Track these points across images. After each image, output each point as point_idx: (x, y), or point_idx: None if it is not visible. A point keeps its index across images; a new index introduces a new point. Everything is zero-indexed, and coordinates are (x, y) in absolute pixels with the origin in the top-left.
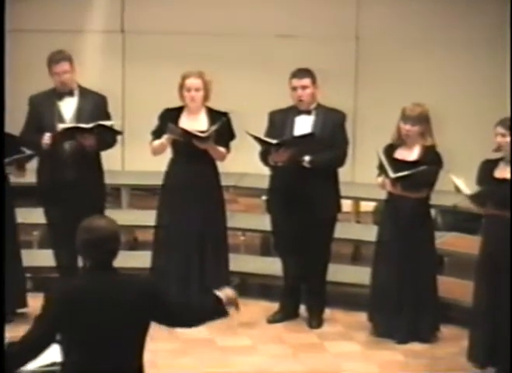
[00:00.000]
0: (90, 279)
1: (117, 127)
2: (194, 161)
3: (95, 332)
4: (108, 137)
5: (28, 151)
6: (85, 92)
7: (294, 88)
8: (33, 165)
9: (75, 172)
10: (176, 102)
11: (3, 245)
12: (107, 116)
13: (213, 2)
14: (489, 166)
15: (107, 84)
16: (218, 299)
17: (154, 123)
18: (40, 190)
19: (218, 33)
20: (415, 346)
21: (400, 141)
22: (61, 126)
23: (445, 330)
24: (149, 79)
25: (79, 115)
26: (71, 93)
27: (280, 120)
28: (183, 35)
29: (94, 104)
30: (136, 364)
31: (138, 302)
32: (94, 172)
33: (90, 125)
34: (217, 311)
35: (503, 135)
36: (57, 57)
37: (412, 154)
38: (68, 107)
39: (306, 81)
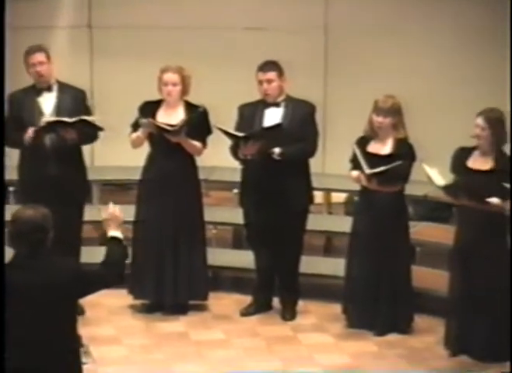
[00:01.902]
0: (17, 266)
1: (98, 123)
2: (171, 155)
3: (23, 318)
4: (90, 131)
5: None
6: (64, 87)
7: (260, 82)
8: (13, 162)
9: (56, 168)
10: (144, 97)
11: (3, 245)
12: (87, 111)
13: None
14: (462, 155)
15: (76, 79)
16: (115, 239)
17: (123, 117)
18: (21, 187)
19: (186, 26)
20: (390, 337)
21: (372, 134)
22: (44, 120)
23: (418, 320)
24: (117, 74)
25: (59, 110)
26: (49, 89)
27: (249, 113)
28: (150, 29)
29: (73, 99)
30: (67, 348)
31: (62, 286)
32: (76, 168)
33: (73, 119)
34: (121, 248)
35: (483, 128)
36: (32, 49)
37: (385, 147)
38: (47, 103)
39: (272, 74)
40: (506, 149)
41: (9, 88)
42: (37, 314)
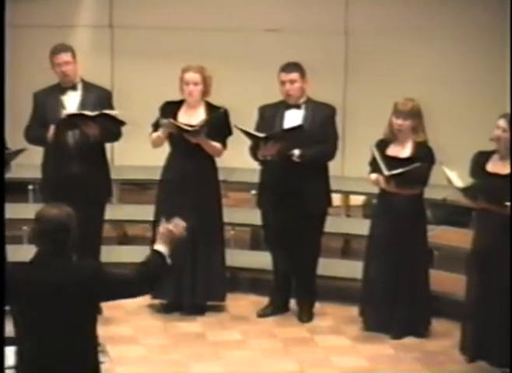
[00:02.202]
0: (40, 265)
1: (120, 117)
2: (190, 155)
3: (43, 317)
4: (112, 128)
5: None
6: (88, 87)
7: (283, 83)
8: (31, 160)
9: (79, 166)
10: (164, 97)
11: (3, 245)
12: (111, 110)
13: None
14: (481, 159)
15: (96, 79)
16: (157, 252)
17: (143, 117)
18: (44, 185)
19: (207, 28)
20: (406, 341)
21: (392, 137)
22: (64, 112)
23: (435, 324)
24: (138, 74)
25: (83, 108)
26: (74, 87)
27: (270, 114)
28: (171, 30)
29: (98, 98)
30: (86, 347)
31: (83, 286)
32: (99, 166)
33: (94, 113)
34: (158, 264)
35: (504, 130)
36: (57, 48)
37: (404, 150)
38: (71, 101)
39: (295, 75)
40: None
41: (32, 87)
42: (57, 313)
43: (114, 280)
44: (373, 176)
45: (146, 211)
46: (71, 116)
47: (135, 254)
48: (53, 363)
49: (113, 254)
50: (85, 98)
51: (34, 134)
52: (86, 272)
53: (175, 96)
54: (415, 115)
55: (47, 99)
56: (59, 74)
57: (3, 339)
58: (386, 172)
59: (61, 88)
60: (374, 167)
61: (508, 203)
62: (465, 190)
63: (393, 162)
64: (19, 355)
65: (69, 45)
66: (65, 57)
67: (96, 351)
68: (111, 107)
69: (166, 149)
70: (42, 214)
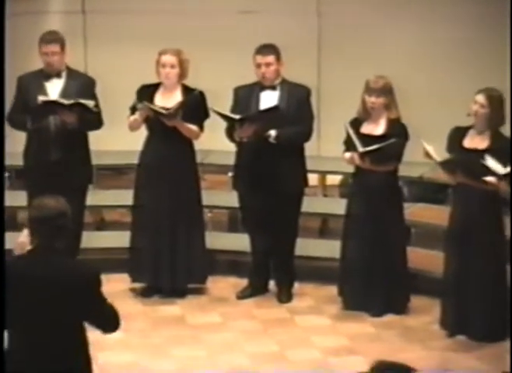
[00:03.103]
0: (34, 259)
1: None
2: (168, 139)
3: (33, 313)
4: (90, 116)
5: None
6: (73, 74)
7: (258, 65)
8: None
9: (60, 153)
10: (139, 82)
11: (3, 244)
12: (93, 99)
13: None
14: (458, 134)
15: (70, 65)
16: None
17: (117, 102)
18: (25, 171)
19: (180, 11)
20: (386, 318)
21: (366, 115)
22: (40, 98)
23: (414, 301)
24: (112, 59)
25: (65, 95)
26: (58, 75)
27: (245, 95)
28: (145, 14)
29: (81, 86)
30: (74, 346)
31: (74, 287)
32: (80, 153)
33: (69, 101)
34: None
35: (482, 105)
36: (48, 38)
37: (378, 128)
38: (54, 88)
39: (271, 58)
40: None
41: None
42: (49, 308)
43: (102, 298)
44: (348, 154)
45: (123, 196)
46: (47, 103)
47: (113, 239)
48: (41, 359)
49: (91, 240)
50: (68, 85)
51: (17, 119)
52: (85, 273)
53: (150, 80)
54: (387, 92)
55: (30, 84)
56: (44, 62)
57: (3, 339)
58: (360, 149)
59: (45, 75)
60: (349, 145)
61: (486, 178)
62: (443, 164)
63: (367, 139)
64: (8, 350)
65: (60, 35)
66: (54, 47)
67: (87, 349)
68: (94, 95)
69: (143, 133)
70: (41, 203)
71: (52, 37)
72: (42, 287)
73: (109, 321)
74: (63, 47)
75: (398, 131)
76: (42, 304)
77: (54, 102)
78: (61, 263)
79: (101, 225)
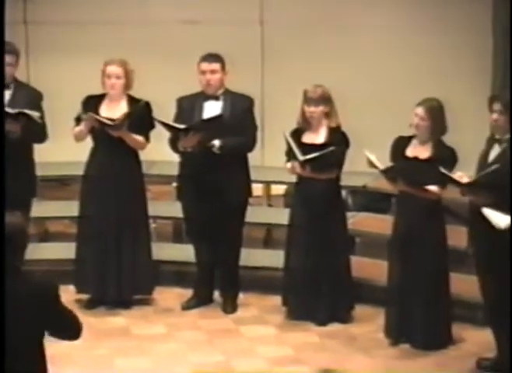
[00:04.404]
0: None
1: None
2: (113, 150)
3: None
4: (35, 128)
5: None
6: (21, 86)
7: (203, 72)
8: None
9: (4, 164)
10: (83, 92)
11: (3, 244)
12: (39, 111)
13: None
14: (401, 143)
15: None
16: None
17: (61, 113)
18: None
19: (122, 21)
20: (330, 327)
21: (306, 125)
22: None
23: (359, 310)
24: (54, 70)
25: (11, 107)
26: (7, 86)
27: (188, 105)
28: (87, 24)
29: (28, 98)
30: (36, 360)
31: (32, 306)
32: (24, 165)
33: (14, 111)
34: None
35: (422, 118)
36: (6, 48)
37: (319, 136)
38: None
39: (216, 65)
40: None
41: None
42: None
43: (64, 310)
44: (289, 164)
45: (67, 207)
46: None
47: (58, 251)
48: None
49: (35, 251)
50: (14, 97)
51: None
52: (47, 288)
53: (94, 91)
54: (325, 100)
55: None
56: None
57: (3, 339)
58: (300, 158)
59: None
60: (290, 155)
61: (428, 187)
62: (385, 172)
63: (309, 148)
64: None
65: (15, 46)
66: (9, 58)
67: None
68: (40, 108)
69: (87, 145)
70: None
71: (9, 48)
72: (8, 305)
73: (74, 328)
74: (17, 59)
75: (338, 139)
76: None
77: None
78: (22, 281)
79: (45, 237)
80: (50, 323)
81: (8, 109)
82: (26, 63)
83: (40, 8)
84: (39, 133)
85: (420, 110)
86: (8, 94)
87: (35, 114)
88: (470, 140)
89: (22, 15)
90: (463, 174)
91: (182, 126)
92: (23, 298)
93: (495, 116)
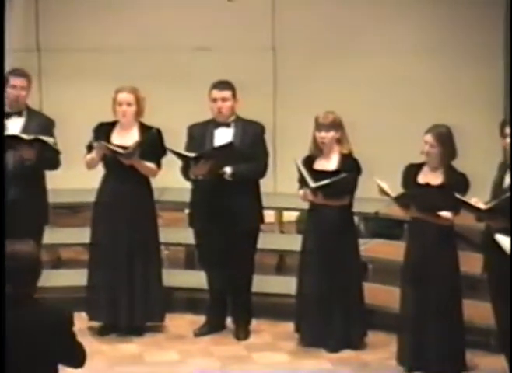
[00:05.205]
0: (11, 308)
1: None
2: (125, 177)
3: (14, 359)
4: (49, 155)
5: None
6: (33, 114)
7: (214, 100)
8: None
9: (17, 191)
10: (95, 119)
11: (3, 244)
12: (52, 138)
13: (128, 17)
14: (412, 170)
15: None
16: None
17: (73, 140)
18: None
19: (134, 47)
20: (343, 354)
21: (317, 151)
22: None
23: (371, 336)
24: (67, 97)
25: (25, 134)
26: (19, 113)
27: (199, 133)
28: (100, 52)
29: (41, 126)
30: None
31: (44, 336)
32: (37, 192)
33: (30, 137)
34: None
35: (432, 145)
36: (15, 72)
37: (330, 163)
38: (14, 126)
39: (227, 93)
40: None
41: None
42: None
43: (74, 337)
44: (302, 191)
45: (79, 234)
46: (9, 137)
47: (70, 278)
48: None
49: (48, 278)
50: (28, 124)
51: None
52: (60, 316)
53: (106, 118)
54: (336, 127)
55: None
56: (10, 97)
57: (3, 339)
58: (312, 185)
59: (6, 113)
60: (303, 183)
61: (441, 213)
62: (398, 199)
63: (321, 175)
64: None
65: (27, 72)
66: (21, 82)
67: None
68: (52, 135)
69: (98, 172)
70: (15, 251)
71: (21, 71)
72: (22, 334)
73: (80, 357)
74: (29, 84)
75: (350, 165)
76: (21, 350)
77: (14, 137)
78: (35, 309)
79: (58, 264)
80: (65, 348)
81: (23, 136)
82: (39, 90)
83: (53, 36)
84: (52, 159)
85: (429, 137)
86: (21, 122)
87: (50, 140)
88: (474, 165)
89: (35, 43)
90: (478, 200)
91: (192, 154)
92: (37, 326)
93: (507, 140)
